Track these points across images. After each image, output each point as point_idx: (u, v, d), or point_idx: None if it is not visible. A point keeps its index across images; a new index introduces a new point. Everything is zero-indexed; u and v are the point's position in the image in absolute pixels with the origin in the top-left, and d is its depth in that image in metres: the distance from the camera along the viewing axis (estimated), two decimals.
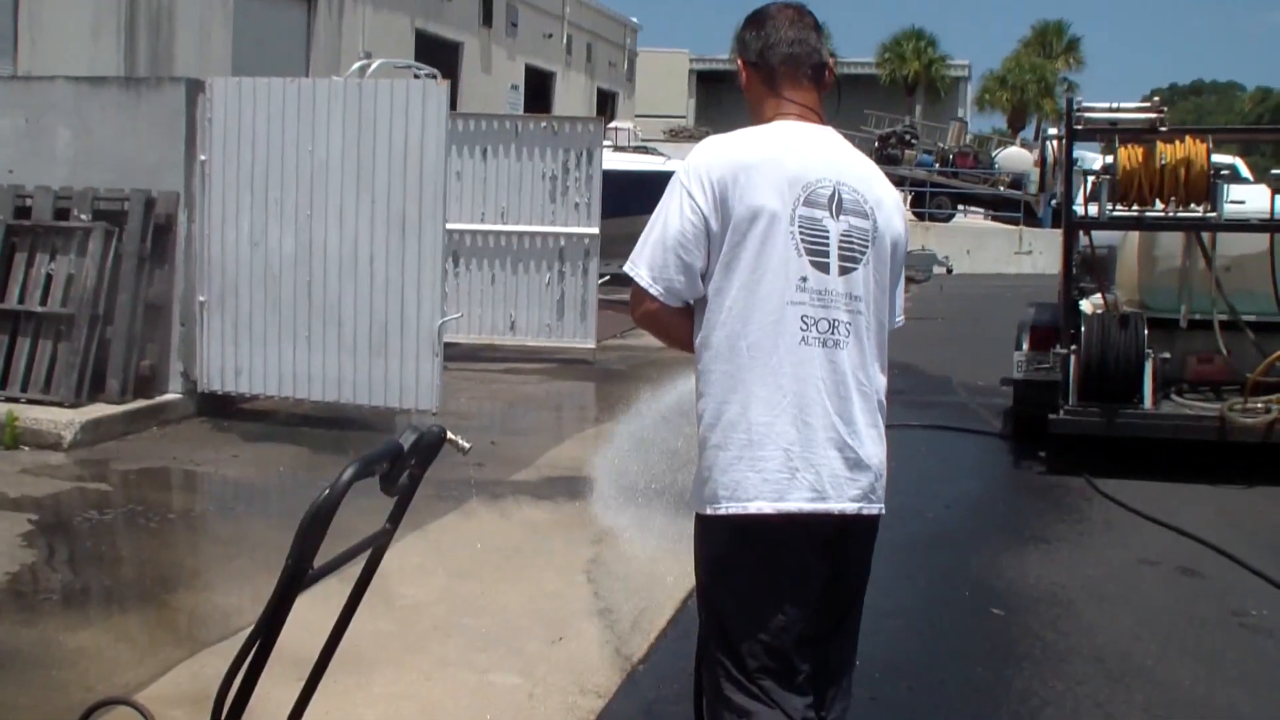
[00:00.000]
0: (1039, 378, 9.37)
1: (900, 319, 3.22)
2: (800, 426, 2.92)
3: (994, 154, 37.73)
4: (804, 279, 2.94)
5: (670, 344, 3.17)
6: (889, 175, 3.47)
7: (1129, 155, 8.88)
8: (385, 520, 3.18)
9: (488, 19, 34.68)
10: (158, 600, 5.89)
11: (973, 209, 32.24)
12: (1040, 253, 29.87)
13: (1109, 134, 9.09)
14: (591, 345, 13.98)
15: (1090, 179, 9.14)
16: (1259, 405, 8.78)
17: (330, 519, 2.65)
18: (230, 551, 6.78)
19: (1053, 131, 11.49)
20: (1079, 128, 9.13)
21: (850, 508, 2.97)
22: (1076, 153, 9.75)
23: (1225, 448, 8.96)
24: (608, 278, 14.83)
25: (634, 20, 49.70)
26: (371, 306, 9.64)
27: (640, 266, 3.01)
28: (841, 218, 2.99)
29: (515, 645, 5.30)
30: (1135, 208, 9.00)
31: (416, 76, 17.42)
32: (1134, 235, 9.79)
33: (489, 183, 13.84)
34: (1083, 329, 8.93)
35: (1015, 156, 33.71)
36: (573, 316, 13.98)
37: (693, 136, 44.72)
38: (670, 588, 5.98)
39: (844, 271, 2.98)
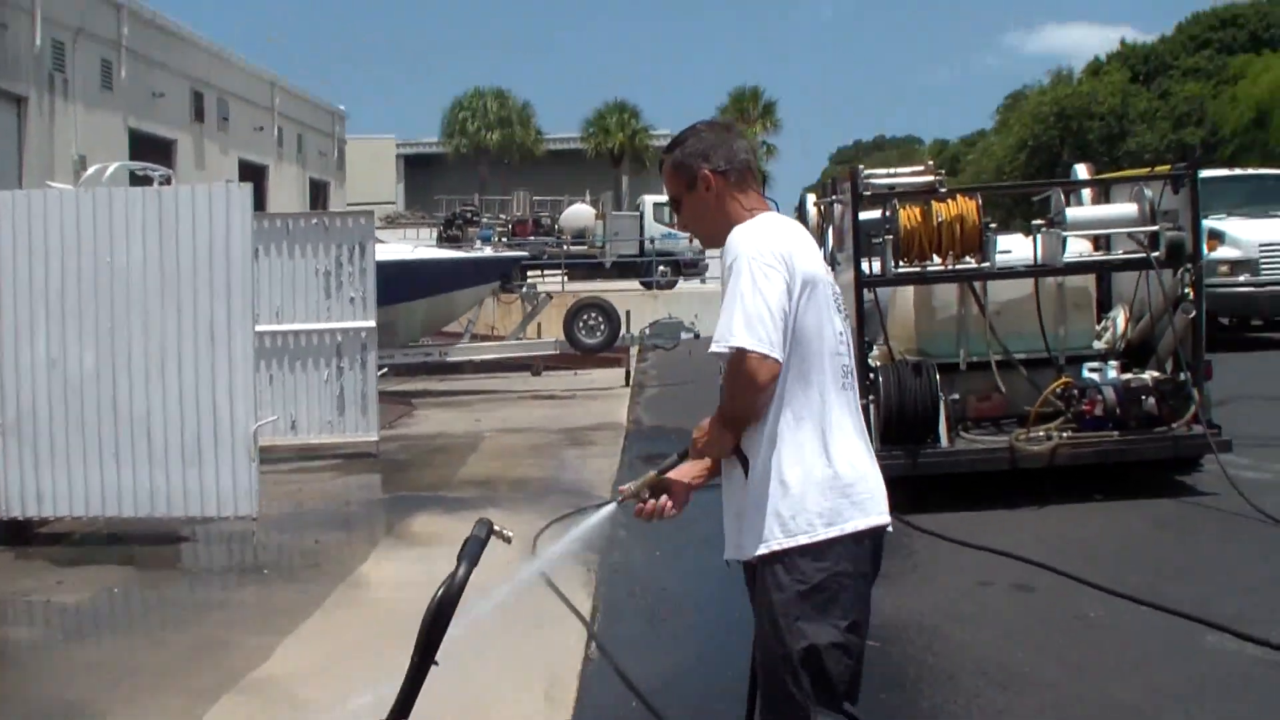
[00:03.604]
0: None
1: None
2: (862, 455, 3.47)
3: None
4: (840, 333, 3.47)
5: (762, 403, 3.39)
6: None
7: (909, 215, 9.63)
8: None
9: (199, 114, 34.20)
10: None
11: (550, 272, 33.07)
12: None
13: (889, 197, 9.81)
14: (374, 438, 13.92)
15: (873, 239, 9.82)
16: (1040, 434, 9.61)
17: (453, 612, 2.85)
18: (110, 677, 6.63)
19: (812, 199, 12.20)
20: (866, 194, 9.83)
21: (888, 520, 3.53)
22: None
23: (1012, 475, 9.74)
24: (386, 369, 14.84)
25: (341, 108, 49.64)
26: (183, 416, 9.48)
27: (756, 340, 3.25)
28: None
29: None
30: (917, 263, 9.76)
31: (149, 178, 17.16)
32: (907, 289, 10.56)
33: (262, 282, 13.69)
34: (880, 379, 9.58)
35: (575, 214, 35.29)
36: (353, 411, 13.92)
37: (411, 222, 44.85)
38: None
39: (844, 323, 3.52)
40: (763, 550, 3.38)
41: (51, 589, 8.39)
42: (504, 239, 28.43)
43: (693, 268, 39.40)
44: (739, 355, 3.26)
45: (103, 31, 28.49)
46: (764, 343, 3.24)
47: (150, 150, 28.76)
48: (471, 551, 3.04)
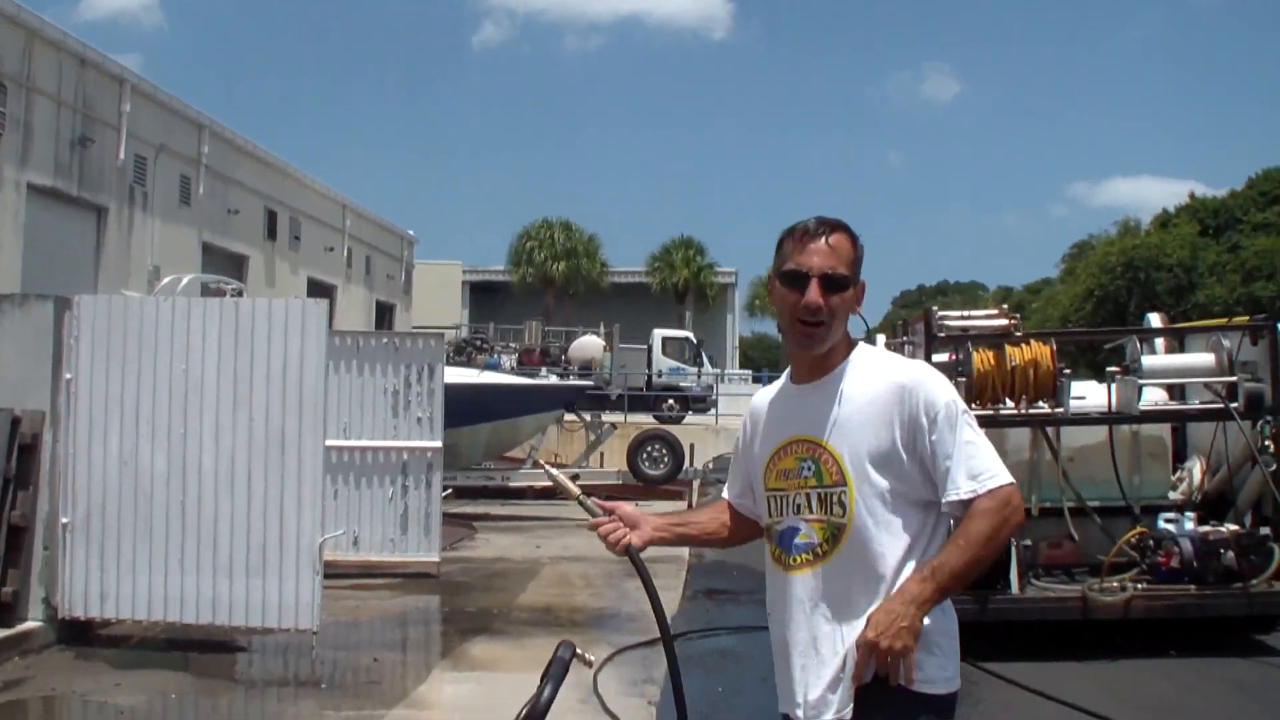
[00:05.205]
0: None
1: None
2: None
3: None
4: None
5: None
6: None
7: (982, 358, 9.57)
8: None
9: (272, 233, 34.83)
10: None
11: None
12: None
13: (963, 339, 9.77)
14: (436, 559, 13.88)
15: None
16: (1115, 584, 9.42)
17: None
18: None
19: (883, 339, 12.19)
20: (940, 335, 9.80)
21: None
22: None
23: (1084, 625, 9.52)
24: (450, 491, 14.77)
25: (410, 233, 50.41)
26: (249, 525, 9.50)
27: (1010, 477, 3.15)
28: None
29: None
30: (989, 406, 9.67)
31: (222, 290, 17.46)
32: None
33: (330, 398, 13.75)
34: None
35: (583, 346, 35.26)
36: (416, 530, 13.91)
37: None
38: None
39: None
40: (955, 687, 3.18)
41: (109, 691, 8.37)
42: (512, 366, 28.56)
43: (700, 402, 39.40)
44: (1014, 491, 3.12)
45: (183, 149, 29.26)
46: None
47: (223, 265, 29.41)
48: (556, 673, 2.96)
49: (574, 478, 3.88)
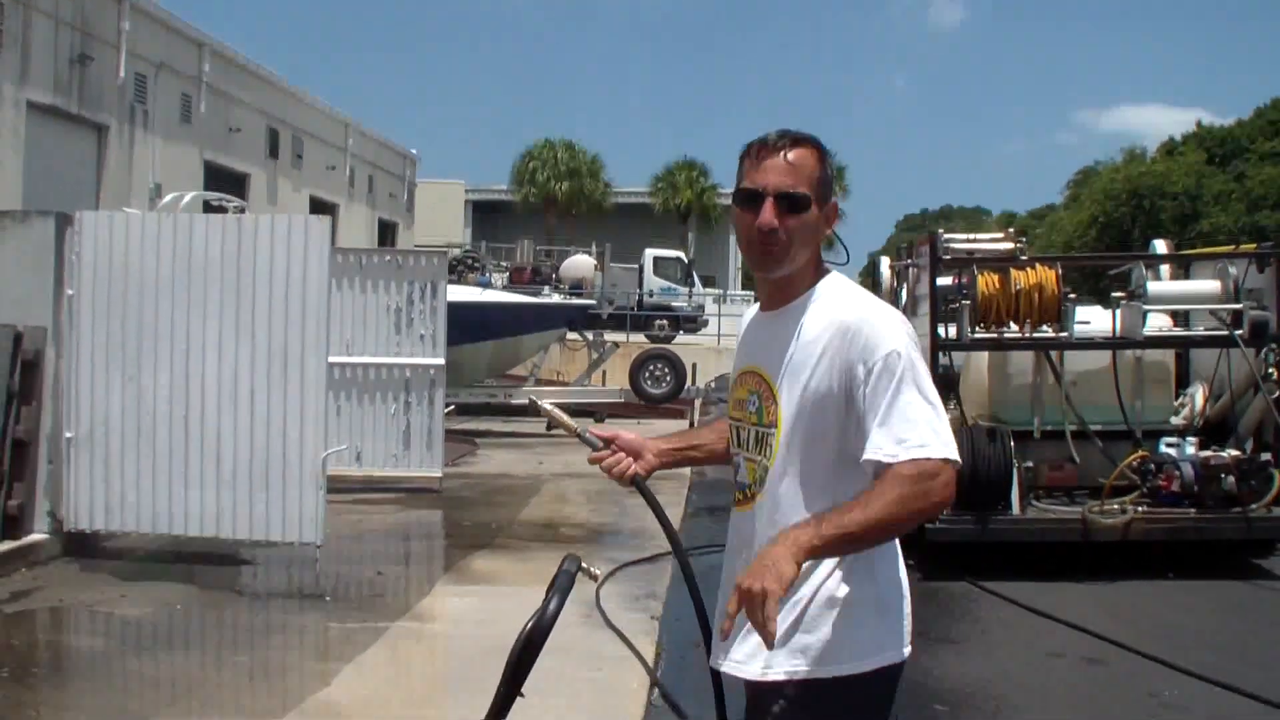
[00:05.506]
0: None
1: None
2: None
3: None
4: None
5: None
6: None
7: (987, 281, 9.55)
8: None
9: (274, 151, 34.60)
10: None
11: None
12: None
13: (968, 263, 9.74)
14: (439, 474, 13.97)
15: (950, 304, 9.75)
16: (1115, 507, 9.47)
17: (542, 646, 2.79)
18: (170, 693, 6.63)
19: (887, 261, 12.16)
20: (945, 258, 9.77)
21: None
22: None
23: (1083, 547, 9.59)
24: (453, 407, 14.77)
25: (413, 152, 50.12)
26: (252, 440, 9.51)
27: (954, 451, 2.67)
28: None
29: None
30: (994, 329, 9.67)
31: (224, 208, 17.34)
32: (983, 354, 10.46)
33: (333, 315, 13.77)
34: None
35: (574, 265, 35.23)
36: (419, 446, 13.98)
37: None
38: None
39: None
40: (889, 661, 2.80)
41: (115, 602, 8.42)
42: (503, 285, 28.43)
43: (691, 322, 39.42)
44: (944, 467, 2.63)
45: (184, 67, 28.99)
46: (957, 452, 2.68)
47: (225, 183, 29.20)
48: (562, 585, 2.96)
49: (565, 407, 3.66)
